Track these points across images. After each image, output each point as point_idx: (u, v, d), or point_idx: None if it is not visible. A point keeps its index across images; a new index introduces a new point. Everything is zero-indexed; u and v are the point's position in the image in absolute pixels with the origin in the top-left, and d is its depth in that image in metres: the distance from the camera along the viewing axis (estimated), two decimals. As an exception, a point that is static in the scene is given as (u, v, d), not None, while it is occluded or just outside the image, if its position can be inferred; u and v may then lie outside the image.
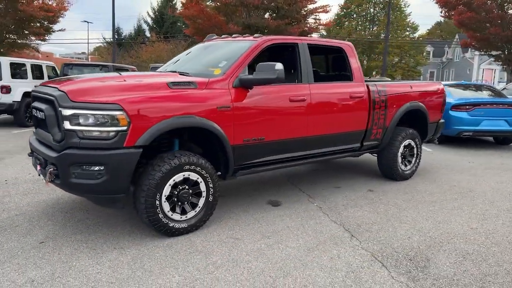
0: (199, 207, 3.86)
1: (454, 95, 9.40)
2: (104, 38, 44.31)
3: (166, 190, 3.61)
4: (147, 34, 43.15)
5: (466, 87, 10.41)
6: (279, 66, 3.94)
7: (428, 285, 2.98)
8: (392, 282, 3.01)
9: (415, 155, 6.10)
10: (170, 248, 3.52)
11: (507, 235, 3.99)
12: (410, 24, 47.79)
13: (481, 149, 9.18)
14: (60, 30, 19.24)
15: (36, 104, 3.88)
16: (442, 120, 6.70)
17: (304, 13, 19.58)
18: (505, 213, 4.65)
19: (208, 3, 18.97)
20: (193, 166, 3.74)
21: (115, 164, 3.35)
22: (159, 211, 3.58)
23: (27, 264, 3.16)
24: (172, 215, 3.69)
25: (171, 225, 3.68)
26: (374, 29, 48.58)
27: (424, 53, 50.67)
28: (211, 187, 3.90)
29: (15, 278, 2.95)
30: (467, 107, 8.86)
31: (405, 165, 6.01)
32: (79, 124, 3.32)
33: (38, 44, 21.93)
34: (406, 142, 5.91)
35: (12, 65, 10.68)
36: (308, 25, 20.42)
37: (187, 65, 4.72)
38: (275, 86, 4.40)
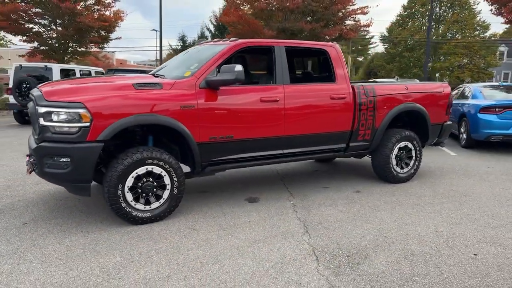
0: (163, 199, 4.18)
1: (485, 97, 8.88)
2: (170, 46, 46.62)
3: (129, 182, 3.97)
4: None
5: (501, 88, 9.76)
6: (238, 67, 4.16)
7: (348, 280, 3.03)
8: (313, 275, 3.09)
9: (413, 158, 5.94)
10: (128, 234, 3.87)
11: (469, 239, 3.84)
12: (480, 23, 44.81)
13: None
14: (116, 38, 20.91)
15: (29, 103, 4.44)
16: (449, 123, 6.44)
17: (341, 15, 19.26)
18: (486, 219, 4.43)
19: (245, 8, 19.44)
20: (156, 161, 4.06)
21: (78, 156, 3.77)
22: (121, 200, 3.95)
23: (1, 240, 3.67)
24: (135, 204, 4.04)
25: (134, 213, 4.03)
26: (440, 28, 46.22)
27: (497, 54, 47.22)
28: (175, 180, 4.20)
29: (-15, 250, 3.46)
30: (496, 109, 8.34)
31: (401, 168, 5.88)
32: (51, 120, 3.78)
33: (100, 50, 23.71)
34: (402, 144, 5.79)
35: (63, 71, 11.85)
36: (347, 26, 20.03)
37: (167, 68, 5.08)
38: (246, 87, 4.62)
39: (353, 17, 19.96)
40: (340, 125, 5.23)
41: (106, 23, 18.67)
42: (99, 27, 18.75)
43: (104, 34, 19.99)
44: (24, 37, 18.84)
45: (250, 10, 19.23)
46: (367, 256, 3.44)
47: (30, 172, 4.06)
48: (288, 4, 17.54)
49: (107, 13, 19.32)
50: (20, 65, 11.66)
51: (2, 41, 23.05)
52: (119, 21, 19.59)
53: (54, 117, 3.77)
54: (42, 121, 3.81)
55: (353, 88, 5.30)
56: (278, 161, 5.04)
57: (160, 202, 4.17)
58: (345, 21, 19.97)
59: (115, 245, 3.61)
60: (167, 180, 4.17)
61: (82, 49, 20.82)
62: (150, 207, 4.12)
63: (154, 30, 55.83)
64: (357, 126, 5.39)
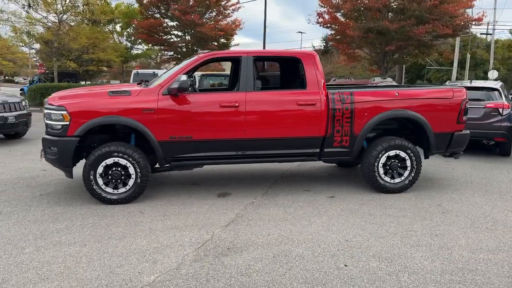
0: (129, 185, 5.10)
1: None
2: (313, 46, 47.72)
3: (100, 169, 4.99)
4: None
5: None
6: (182, 77, 4.83)
7: (198, 266, 3.44)
8: (173, 258, 3.59)
9: (408, 168, 5.59)
10: (88, 209, 4.88)
11: (364, 249, 3.75)
12: None
13: None
14: (235, 45, 22.84)
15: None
16: (464, 132, 5.78)
17: (439, 12, 16.93)
18: (427, 238, 4.11)
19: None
20: (121, 154, 5.00)
21: (61, 147, 4.96)
22: (93, 183, 5.00)
23: (18, 202, 5.09)
24: (105, 188, 5.05)
25: (103, 195, 5.04)
26: None
27: None
28: (138, 171, 5.07)
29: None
30: None
31: (392, 177, 5.60)
32: (49, 119, 5.07)
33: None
34: (392, 152, 5.52)
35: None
36: (454, 23, 17.52)
37: (159, 78, 5.95)
38: (207, 93, 5.22)
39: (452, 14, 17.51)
40: (308, 130, 5.35)
41: (222, 32, 20.71)
42: (216, 35, 20.92)
43: (223, 42, 22.14)
44: (162, 47, 22.27)
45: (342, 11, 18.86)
46: (244, 251, 3.73)
47: (41, 158, 5.43)
48: (374, 3, 16.46)
49: (225, 22, 21.36)
50: (137, 71, 14.16)
51: (149, 52, 27.65)
52: (237, 29, 21.46)
53: (50, 117, 5.04)
54: (45, 120, 5.12)
55: (327, 94, 5.35)
56: (241, 162, 5.47)
57: (126, 188, 5.09)
58: (446, 18, 17.61)
59: (67, 218, 4.63)
60: (131, 170, 5.07)
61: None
62: (117, 191, 5.08)
63: (300, 32, 57.39)
64: (332, 132, 5.40)
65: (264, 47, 20.41)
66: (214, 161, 5.42)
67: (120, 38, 26.85)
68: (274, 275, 3.29)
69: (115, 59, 24.34)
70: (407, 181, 5.62)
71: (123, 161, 5.03)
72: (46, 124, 5.12)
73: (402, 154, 5.55)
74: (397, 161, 5.58)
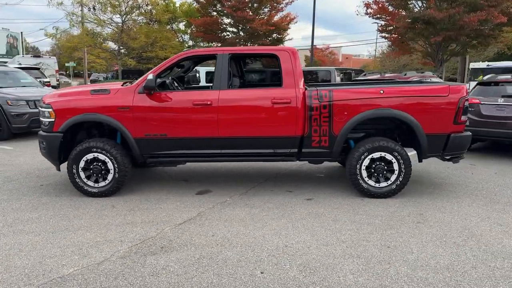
0: (108, 180, 5.35)
1: None
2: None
3: (81, 164, 5.30)
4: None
5: None
6: (149, 76, 4.93)
7: (120, 263, 3.54)
8: (104, 254, 3.72)
9: (395, 171, 5.15)
10: (70, 201, 5.21)
11: (296, 256, 3.56)
12: None
13: None
14: (288, 40, 22.57)
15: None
16: (465, 134, 5.17)
17: None
18: (372, 249, 3.78)
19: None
20: (99, 149, 5.26)
21: (48, 142, 5.35)
22: (76, 177, 5.33)
23: (17, 191, 5.61)
24: (87, 181, 5.35)
25: (85, 188, 5.35)
26: None
27: None
28: (116, 167, 5.30)
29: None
30: None
31: (377, 181, 5.20)
32: (42, 116, 5.49)
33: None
34: (376, 154, 5.13)
35: (208, 74, 14.18)
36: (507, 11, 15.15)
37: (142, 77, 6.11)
38: (181, 91, 5.27)
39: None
40: (284, 130, 5.16)
41: (272, 27, 20.57)
42: (267, 31, 20.84)
43: (277, 36, 22.00)
44: (219, 44, 22.79)
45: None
46: (175, 251, 3.75)
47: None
48: None
49: (277, 17, 21.19)
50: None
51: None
52: (291, 23, 21.17)
53: (43, 114, 5.46)
54: (40, 117, 5.56)
55: (304, 92, 5.12)
56: (218, 160, 5.44)
57: (105, 182, 5.35)
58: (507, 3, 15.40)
59: (49, 207, 5.00)
60: (110, 165, 5.31)
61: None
62: (98, 185, 5.36)
63: (375, 22, 54.64)
64: (309, 132, 5.16)
65: (312, 43, 19.94)
66: (190, 159, 5.47)
67: (183, 36, 28.01)
68: (181, 278, 3.26)
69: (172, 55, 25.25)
70: (394, 186, 5.19)
71: (102, 157, 5.28)
72: (40, 121, 5.56)
73: (388, 156, 5.13)
74: (383, 164, 5.17)
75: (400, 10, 17.23)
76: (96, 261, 3.57)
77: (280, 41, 23.17)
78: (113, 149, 5.29)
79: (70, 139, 5.56)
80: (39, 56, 22.66)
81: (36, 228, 4.32)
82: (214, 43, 22.85)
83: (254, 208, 4.94)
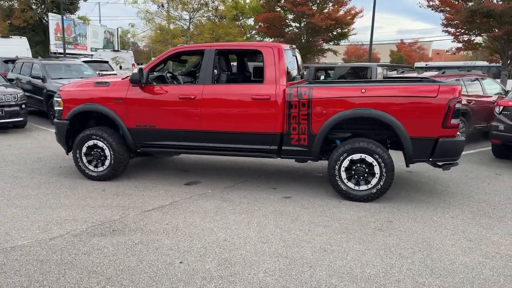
0: (105, 165, 5.81)
1: None
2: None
3: (83, 149, 5.82)
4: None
5: None
6: (134, 71, 5.23)
7: (77, 240, 3.89)
8: (60, 231, 4.11)
9: (376, 175, 4.89)
10: (68, 182, 5.74)
11: (220, 251, 3.62)
12: None
13: None
14: (352, 34, 21.62)
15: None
16: (457, 139, 4.71)
17: None
18: (306, 251, 3.70)
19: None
20: (98, 137, 5.73)
21: (58, 128, 5.96)
22: (79, 161, 5.87)
23: (37, 171, 6.33)
24: (88, 166, 5.87)
25: (86, 171, 5.87)
26: None
27: None
28: (111, 153, 5.73)
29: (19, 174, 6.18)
30: None
31: (357, 184, 4.98)
32: (56, 105, 6.12)
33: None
34: (356, 156, 4.91)
35: (255, 69, 14.27)
36: None
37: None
38: (169, 85, 5.53)
39: None
40: (263, 126, 5.16)
41: (333, 22, 19.94)
42: (327, 26, 20.25)
43: (339, 31, 21.28)
44: (281, 40, 22.76)
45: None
46: (121, 235, 4.01)
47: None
48: None
49: (342, 12, 20.50)
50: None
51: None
52: (356, 17, 20.36)
53: (56, 103, 6.08)
54: (55, 106, 6.20)
55: (285, 89, 5.06)
56: (203, 153, 5.61)
57: (103, 168, 5.82)
58: None
59: (50, 185, 5.58)
60: (107, 152, 5.75)
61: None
62: (97, 169, 5.85)
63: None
64: (288, 130, 5.10)
65: (371, 38, 18.93)
66: (178, 151, 5.71)
67: (251, 32, 28.41)
68: (106, 259, 3.50)
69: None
70: (374, 190, 4.93)
71: (100, 144, 5.74)
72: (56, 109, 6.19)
73: (369, 159, 4.88)
74: (364, 166, 4.93)
75: (461, 2, 15.66)
76: (50, 236, 3.96)
77: (344, 35, 22.50)
78: (110, 137, 5.71)
79: (80, 127, 6.08)
80: (117, 51, 24.64)
81: (27, 204, 4.87)
82: (276, 38, 22.97)
83: (226, 201, 5.03)
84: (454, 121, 4.67)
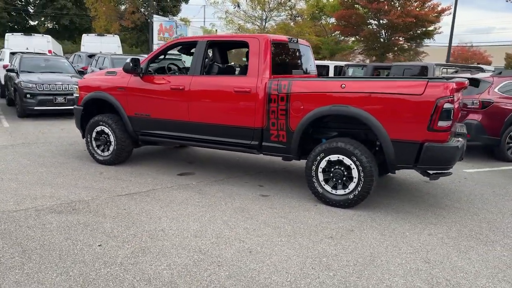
0: (110, 151, 6.13)
1: None
2: None
3: (93, 134, 6.22)
4: None
5: None
6: (127, 60, 5.41)
7: (35, 214, 4.20)
8: (29, 205, 4.43)
9: (354, 179, 4.42)
10: (76, 163, 6.17)
11: (145, 239, 3.58)
12: None
13: None
14: (437, 33, 19.51)
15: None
16: (448, 144, 4.03)
17: None
18: (230, 249, 3.49)
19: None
20: (104, 123, 6.08)
21: (75, 113, 6.45)
22: (90, 145, 6.29)
23: (63, 153, 6.94)
24: (97, 150, 6.26)
25: (95, 156, 6.26)
26: None
27: None
28: (115, 140, 6.02)
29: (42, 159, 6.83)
30: None
31: (334, 187, 4.56)
32: (75, 92, 6.63)
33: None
34: (334, 157, 4.50)
35: (336, 68, 13.89)
36: None
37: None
38: (163, 76, 5.65)
39: None
40: (244, 120, 4.98)
41: (411, 19, 18.28)
42: (406, 23, 18.62)
43: (423, 30, 19.48)
44: (354, 38, 21.70)
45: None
46: (73, 214, 4.20)
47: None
48: None
49: (424, 9, 18.75)
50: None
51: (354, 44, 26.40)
52: (442, 14, 18.48)
53: (75, 91, 6.59)
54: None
55: (266, 82, 4.83)
56: (192, 144, 5.60)
57: (108, 152, 6.15)
58: None
59: (60, 164, 6.06)
60: (112, 138, 6.07)
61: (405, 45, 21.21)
62: (104, 154, 6.20)
63: None
64: (267, 125, 4.86)
65: (450, 38, 16.86)
66: (170, 141, 5.77)
67: (330, 31, 27.50)
68: (42, 234, 3.69)
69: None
70: (351, 196, 4.46)
71: (106, 130, 6.08)
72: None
73: (347, 161, 4.44)
74: (342, 168, 4.50)
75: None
76: (16, 209, 4.30)
77: (427, 34, 20.51)
78: (114, 124, 6.01)
79: (98, 113, 6.47)
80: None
81: (27, 179, 5.34)
82: (351, 37, 21.95)
83: (201, 194, 4.97)
84: (442, 124, 4.01)
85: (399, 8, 19.36)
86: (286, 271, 3.15)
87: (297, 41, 5.65)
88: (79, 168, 5.97)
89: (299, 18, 24.43)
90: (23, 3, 47.70)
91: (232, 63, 7.33)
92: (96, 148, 6.25)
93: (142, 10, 41.72)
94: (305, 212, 4.44)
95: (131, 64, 5.51)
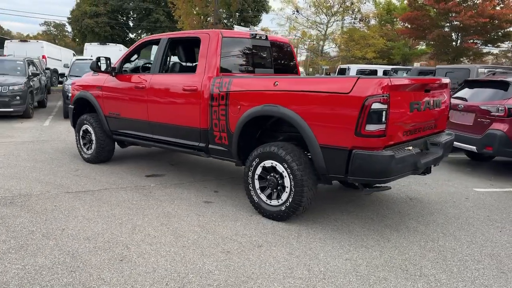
0: (92, 149, 6.24)
1: None
2: None
3: (81, 133, 6.41)
4: None
5: None
6: (93, 59, 5.44)
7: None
8: (-19, 195, 4.65)
9: (286, 189, 3.89)
10: (68, 159, 6.39)
11: (46, 238, 3.48)
12: None
13: None
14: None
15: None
16: (384, 153, 3.34)
17: None
18: (115, 248, 3.24)
19: None
20: (87, 122, 6.22)
21: (69, 112, 6.71)
22: (78, 143, 6.49)
23: (65, 147, 7.29)
24: (83, 148, 6.43)
25: (82, 154, 6.42)
26: None
27: None
28: (95, 138, 6.12)
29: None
30: None
31: (269, 197, 4.07)
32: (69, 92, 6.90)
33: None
34: (267, 162, 4.02)
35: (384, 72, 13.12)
36: None
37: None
38: (130, 74, 5.60)
39: None
40: (190, 120, 4.70)
41: (485, 20, 15.98)
42: (480, 24, 16.33)
43: (503, 31, 16.98)
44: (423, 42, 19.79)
45: None
46: (9, 206, 4.30)
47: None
48: None
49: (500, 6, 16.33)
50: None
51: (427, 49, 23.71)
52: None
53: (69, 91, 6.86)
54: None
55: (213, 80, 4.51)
56: (153, 145, 5.45)
57: (91, 151, 6.27)
58: None
59: (53, 159, 6.32)
60: (93, 137, 6.19)
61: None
62: (88, 152, 6.35)
63: None
64: (211, 126, 4.53)
65: None
66: (138, 141, 5.65)
67: (398, 34, 25.45)
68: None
69: (369, 55, 23.47)
70: (283, 207, 3.93)
71: (90, 129, 6.22)
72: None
73: (279, 167, 3.93)
74: (277, 176, 4.00)
75: None
76: (-36, 198, 4.53)
77: (507, 36, 17.79)
78: (95, 123, 6.12)
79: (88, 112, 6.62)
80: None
81: (7, 173, 5.62)
82: (417, 40, 20.03)
83: (145, 196, 4.79)
84: (370, 128, 3.32)
85: (475, 8, 17.15)
86: (139, 284, 2.83)
87: (266, 38, 5.23)
88: (62, 165, 6.16)
89: (363, 22, 23.12)
90: (124, 18, 52.52)
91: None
92: (83, 146, 6.42)
93: (225, 21, 43.23)
94: (231, 223, 4.02)
95: (96, 63, 5.56)
